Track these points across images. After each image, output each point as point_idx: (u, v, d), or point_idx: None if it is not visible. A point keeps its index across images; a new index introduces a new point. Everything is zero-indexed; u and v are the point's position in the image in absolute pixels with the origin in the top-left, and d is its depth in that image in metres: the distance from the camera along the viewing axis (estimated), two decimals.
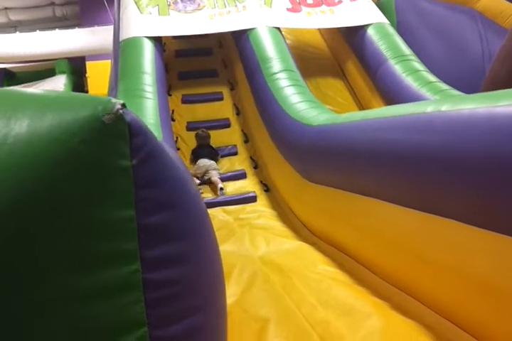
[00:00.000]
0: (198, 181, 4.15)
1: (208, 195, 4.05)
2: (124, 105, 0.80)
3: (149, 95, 3.84)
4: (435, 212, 1.69)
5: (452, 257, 1.68)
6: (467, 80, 4.40)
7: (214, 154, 4.44)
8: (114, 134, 0.78)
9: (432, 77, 4.05)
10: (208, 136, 4.54)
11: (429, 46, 5.16)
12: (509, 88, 3.84)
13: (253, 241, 2.90)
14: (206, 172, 4.20)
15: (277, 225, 3.30)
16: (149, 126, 2.81)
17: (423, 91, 3.84)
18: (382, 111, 2.25)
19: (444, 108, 1.67)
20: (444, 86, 3.89)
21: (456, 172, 1.56)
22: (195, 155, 4.42)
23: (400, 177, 1.94)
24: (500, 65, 3.92)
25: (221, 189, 3.97)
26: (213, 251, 1.19)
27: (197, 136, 4.55)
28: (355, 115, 2.60)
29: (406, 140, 1.89)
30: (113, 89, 4.29)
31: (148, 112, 3.61)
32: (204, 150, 4.44)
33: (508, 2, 5.46)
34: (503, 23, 5.45)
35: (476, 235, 1.47)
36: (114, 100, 0.79)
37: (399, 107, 2.17)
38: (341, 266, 2.43)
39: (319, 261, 2.54)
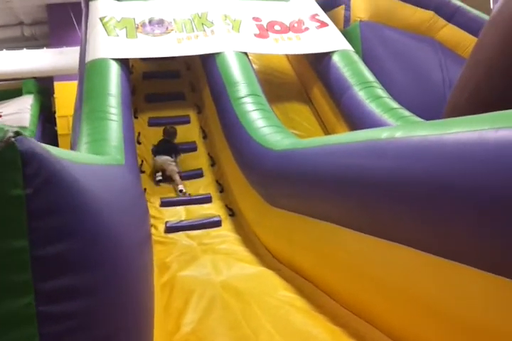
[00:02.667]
0: (159, 178, 4.35)
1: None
2: (18, 133, 0.77)
3: (114, 117, 3.79)
4: (387, 237, 1.70)
5: (403, 281, 1.68)
6: (428, 107, 4.53)
7: (173, 150, 4.54)
8: (4, 162, 0.75)
9: (394, 104, 4.15)
10: (175, 133, 4.71)
11: (392, 73, 5.31)
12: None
13: (215, 267, 2.86)
14: (162, 168, 4.36)
15: (241, 250, 3.27)
16: (112, 149, 2.76)
17: (385, 117, 3.93)
18: (341, 137, 2.29)
19: (397, 134, 1.70)
20: (405, 112, 3.99)
21: (405, 198, 1.57)
22: (155, 151, 4.57)
23: (354, 202, 1.95)
24: (460, 93, 4.05)
25: (180, 191, 4.18)
26: (128, 280, 1.14)
27: (165, 130, 4.69)
28: (317, 140, 2.63)
29: (361, 165, 1.91)
30: (77, 111, 4.23)
31: (112, 135, 3.55)
32: (163, 145, 4.58)
33: (466, 33, 5.70)
34: (462, 53, 5.67)
35: (425, 260, 1.47)
36: (6, 128, 0.76)
37: (358, 133, 2.20)
38: (301, 292, 2.42)
39: (280, 286, 2.52)
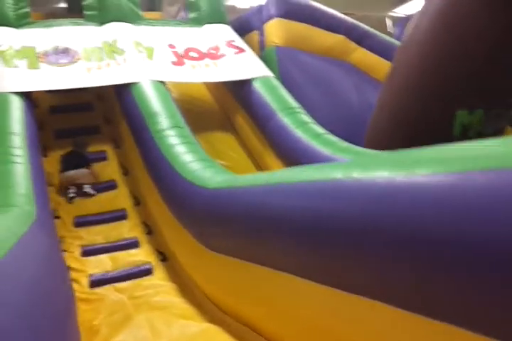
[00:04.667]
0: (72, 195, 4.13)
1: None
2: None
3: (18, 159, 3.37)
4: (344, 287, 1.55)
5: (364, 336, 1.53)
6: (345, 128, 4.59)
7: (83, 162, 4.34)
8: None
9: (320, 130, 4.11)
10: (86, 143, 4.59)
11: (310, 96, 5.33)
12: (391, 136, 4.00)
13: (152, 327, 2.53)
14: (74, 182, 4.18)
15: (179, 302, 2.95)
16: (20, 198, 2.36)
17: (313, 143, 3.87)
18: (286, 175, 2.11)
19: (355, 174, 1.56)
20: (332, 138, 3.96)
21: (376, 247, 1.43)
22: (63, 166, 4.32)
23: (306, 248, 1.78)
24: (380, 113, 4.14)
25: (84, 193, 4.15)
26: None
27: (74, 141, 4.52)
28: (256, 178, 2.43)
29: (312, 207, 1.75)
30: None
31: (18, 180, 3.13)
32: (72, 158, 4.35)
33: (376, 55, 5.92)
34: (374, 75, 5.88)
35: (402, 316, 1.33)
36: None
37: (304, 171, 2.04)
38: None
39: None
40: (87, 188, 4.19)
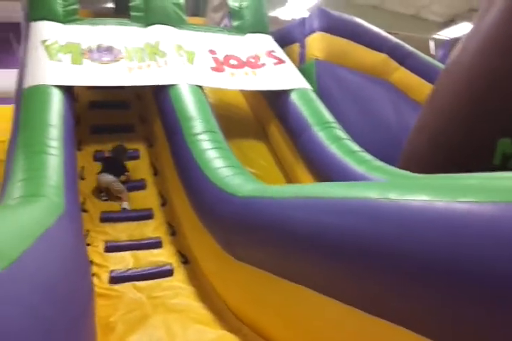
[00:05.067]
0: (105, 198, 4.23)
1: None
2: None
3: (54, 151, 3.40)
4: (376, 313, 1.49)
5: None
6: (381, 147, 4.50)
7: (118, 169, 4.38)
8: None
9: (355, 147, 4.05)
10: (125, 151, 4.62)
11: (347, 113, 5.28)
12: (429, 159, 3.87)
13: (168, 329, 2.50)
14: (106, 188, 4.24)
15: (197, 306, 2.91)
16: (50, 190, 2.35)
17: (347, 160, 3.81)
18: (318, 190, 2.07)
19: (392, 196, 1.51)
20: (367, 156, 3.89)
21: (399, 268, 1.37)
22: (102, 167, 4.41)
23: (335, 267, 1.72)
24: (418, 135, 4.04)
25: (124, 209, 4.14)
26: None
27: (115, 148, 4.56)
28: (286, 190, 2.39)
29: (341, 225, 1.70)
30: (12, 142, 3.77)
31: (51, 172, 3.16)
32: (109, 163, 4.42)
33: (417, 76, 5.84)
34: (413, 96, 5.79)
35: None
36: None
37: (337, 187, 1.99)
38: None
39: None
40: (125, 205, 4.18)
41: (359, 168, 3.66)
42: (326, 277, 1.80)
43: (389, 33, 6.20)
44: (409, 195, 1.46)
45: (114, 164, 4.42)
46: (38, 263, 1.50)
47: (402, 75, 5.83)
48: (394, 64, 5.84)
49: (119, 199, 4.21)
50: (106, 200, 4.20)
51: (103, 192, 4.25)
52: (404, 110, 5.63)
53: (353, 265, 1.62)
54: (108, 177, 4.23)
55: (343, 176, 3.62)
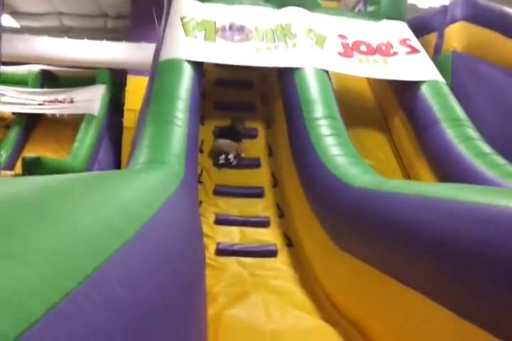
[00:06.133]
0: (222, 161, 4.37)
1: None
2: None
3: (180, 122, 3.57)
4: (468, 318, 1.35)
5: None
6: None
7: (236, 136, 4.54)
8: None
9: (487, 149, 3.69)
10: (242, 122, 4.79)
11: (482, 112, 4.83)
12: None
13: (267, 310, 2.53)
14: (222, 151, 4.39)
15: (297, 291, 2.90)
16: (172, 158, 2.43)
17: (476, 163, 3.49)
18: (444, 191, 1.90)
19: None
20: (500, 160, 3.53)
21: None
22: (217, 134, 4.63)
23: (460, 278, 1.57)
24: None
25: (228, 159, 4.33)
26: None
27: (234, 118, 4.78)
28: (408, 186, 2.25)
29: (466, 232, 1.56)
30: (144, 109, 4.04)
31: (175, 142, 3.33)
32: (228, 130, 4.62)
33: None
34: None
35: None
36: None
37: (467, 191, 1.81)
38: None
39: None
40: (231, 157, 4.35)
41: (489, 172, 3.34)
42: (432, 281, 1.69)
43: None
44: None
45: (231, 132, 4.59)
46: (162, 229, 1.57)
47: None
48: None
49: (227, 159, 4.35)
50: (223, 165, 4.34)
51: (221, 154, 4.39)
52: None
53: (465, 273, 1.49)
54: (226, 141, 4.44)
55: (469, 179, 3.33)
